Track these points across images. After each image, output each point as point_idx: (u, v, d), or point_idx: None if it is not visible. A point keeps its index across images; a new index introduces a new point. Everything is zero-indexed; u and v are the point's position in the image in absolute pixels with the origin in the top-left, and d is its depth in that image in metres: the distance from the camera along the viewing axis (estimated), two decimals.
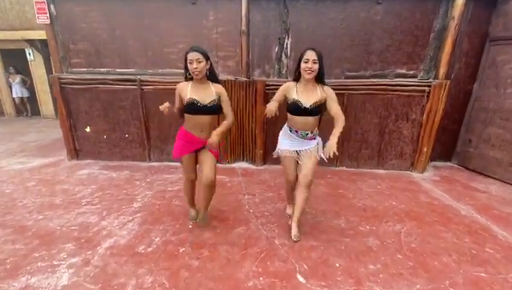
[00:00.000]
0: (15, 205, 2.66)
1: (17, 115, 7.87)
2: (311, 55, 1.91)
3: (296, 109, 2.03)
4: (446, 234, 2.31)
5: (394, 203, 2.83)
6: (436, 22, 3.45)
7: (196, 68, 1.90)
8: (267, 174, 3.53)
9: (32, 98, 7.70)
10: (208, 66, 1.99)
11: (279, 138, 2.25)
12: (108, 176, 3.38)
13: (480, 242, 2.20)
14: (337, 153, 1.86)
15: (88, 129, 3.88)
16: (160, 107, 2.00)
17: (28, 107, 7.80)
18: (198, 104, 1.98)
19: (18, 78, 7.42)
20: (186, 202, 2.45)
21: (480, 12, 3.50)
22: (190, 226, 2.32)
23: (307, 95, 2.02)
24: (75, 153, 3.97)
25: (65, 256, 1.93)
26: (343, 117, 2.01)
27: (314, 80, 2.01)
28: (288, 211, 2.56)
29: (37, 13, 3.65)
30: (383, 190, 3.14)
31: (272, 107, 1.95)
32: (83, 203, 2.69)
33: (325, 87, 2.04)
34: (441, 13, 3.41)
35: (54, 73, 3.86)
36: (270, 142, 3.84)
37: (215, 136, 1.96)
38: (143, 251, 2.00)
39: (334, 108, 2.01)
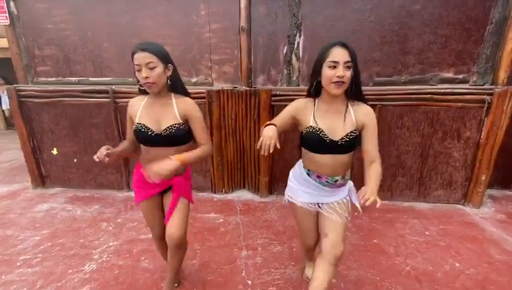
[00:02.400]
0: None
1: (7, 128, 7.37)
2: (341, 54, 1.13)
3: (317, 143, 1.25)
4: None
5: (457, 264, 1.96)
6: (494, 11, 2.60)
7: (147, 78, 1.20)
8: (274, 211, 2.71)
9: None
10: (168, 74, 1.29)
11: (289, 180, 1.47)
12: (70, 215, 2.65)
13: None
14: (379, 203, 1.06)
15: (55, 151, 3.18)
16: (94, 156, 1.28)
17: None
18: (149, 132, 1.31)
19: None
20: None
21: None
22: None
23: (333, 121, 1.24)
24: (41, 180, 3.26)
25: None
26: (379, 160, 1.24)
27: (343, 95, 1.23)
28: (308, 272, 1.79)
29: None
30: (434, 239, 2.26)
31: (268, 140, 1.13)
32: (18, 263, 1.94)
33: (363, 108, 1.26)
34: (501, 0, 2.58)
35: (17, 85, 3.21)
36: (278, 168, 3.03)
37: (167, 166, 1.20)
38: None
39: (370, 144, 1.24)
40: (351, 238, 2.25)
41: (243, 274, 1.83)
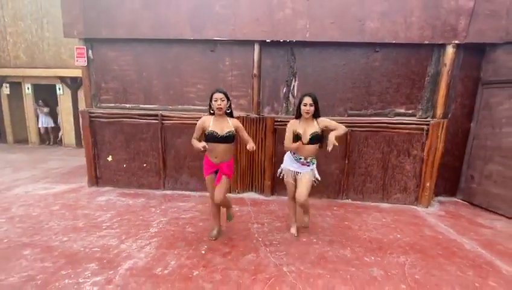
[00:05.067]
0: (42, 227, 2.87)
1: (41, 143, 8.39)
2: (307, 100, 2.50)
3: (297, 139, 2.56)
4: (450, 267, 2.37)
5: (399, 236, 2.91)
6: (430, 67, 3.81)
7: (220, 105, 2.39)
8: (275, 204, 3.69)
9: (56, 128, 8.28)
10: (228, 105, 2.49)
11: (284, 157, 2.83)
12: (125, 203, 3.60)
13: (484, 276, 2.26)
14: (337, 144, 2.40)
15: (110, 158, 4.20)
16: (199, 146, 2.36)
17: (51, 136, 8.34)
18: (217, 134, 2.44)
19: (46, 109, 8.07)
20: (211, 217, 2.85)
21: (471, 59, 3.84)
22: (203, 252, 2.46)
23: (305, 129, 2.58)
24: (96, 180, 4.25)
25: (89, 275, 2.09)
26: (343, 126, 2.55)
27: (311, 117, 2.58)
28: (293, 230, 2.89)
29: (77, 57, 4.19)
30: (388, 223, 3.23)
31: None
32: (103, 227, 2.88)
33: (320, 119, 2.61)
34: (434, 60, 3.78)
35: (84, 108, 4.29)
36: None
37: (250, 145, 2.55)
38: (160, 273, 2.14)
39: (333, 124, 2.57)
40: (329, 221, 3.21)
41: (256, 235, 2.79)
